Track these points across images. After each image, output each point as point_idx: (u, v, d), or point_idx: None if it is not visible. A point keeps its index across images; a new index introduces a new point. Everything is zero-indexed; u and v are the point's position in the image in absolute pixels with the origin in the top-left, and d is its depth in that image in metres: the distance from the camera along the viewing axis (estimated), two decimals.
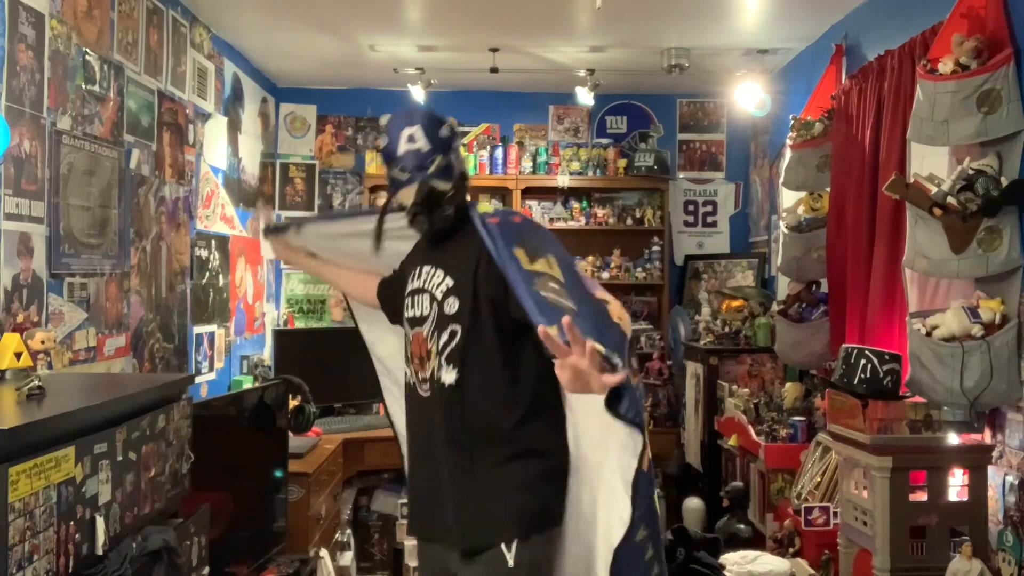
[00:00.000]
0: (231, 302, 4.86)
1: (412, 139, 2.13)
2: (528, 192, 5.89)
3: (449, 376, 2.03)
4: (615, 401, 1.67)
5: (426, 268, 2.16)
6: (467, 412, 2.03)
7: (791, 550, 3.41)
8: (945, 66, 2.79)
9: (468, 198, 2.22)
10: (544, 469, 2.04)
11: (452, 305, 2.07)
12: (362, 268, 2.48)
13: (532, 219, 2.16)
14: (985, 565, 2.61)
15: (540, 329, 1.65)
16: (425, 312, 2.12)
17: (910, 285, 3.12)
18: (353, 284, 2.54)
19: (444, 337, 2.05)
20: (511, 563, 1.97)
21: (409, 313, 2.17)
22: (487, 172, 5.83)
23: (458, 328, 2.04)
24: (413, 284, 2.19)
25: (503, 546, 1.99)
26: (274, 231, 2.69)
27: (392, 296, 2.33)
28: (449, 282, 2.09)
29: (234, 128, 4.99)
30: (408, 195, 2.13)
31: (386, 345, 2.54)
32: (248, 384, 4.62)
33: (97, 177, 3.24)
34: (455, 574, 2.09)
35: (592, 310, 1.83)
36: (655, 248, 5.88)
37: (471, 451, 2.05)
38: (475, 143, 5.89)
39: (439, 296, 2.10)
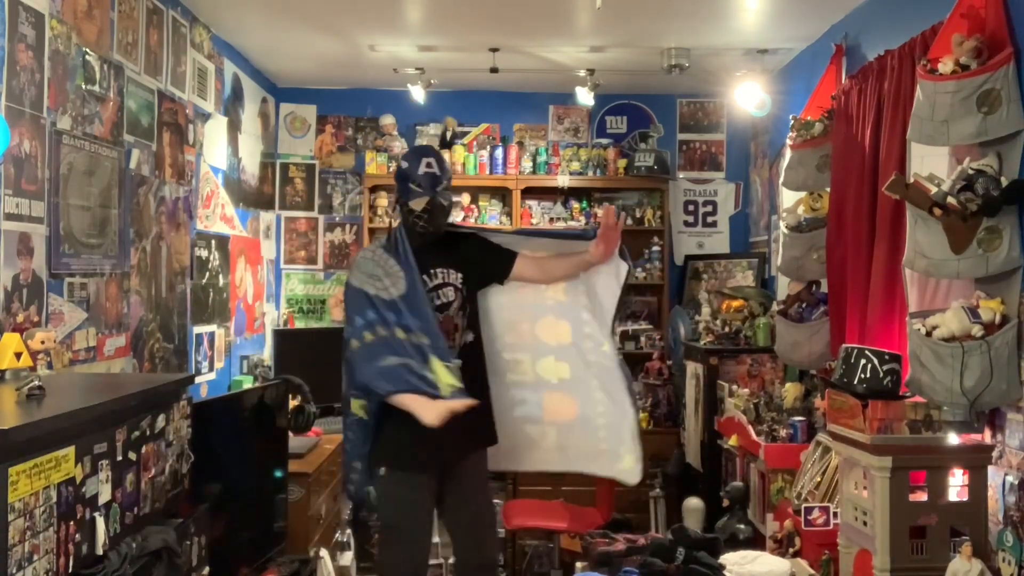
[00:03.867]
0: (231, 302, 4.86)
1: (429, 165, 2.98)
2: (528, 192, 5.88)
3: (468, 337, 3.08)
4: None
5: (440, 269, 3.05)
6: (482, 356, 3.13)
7: (791, 550, 3.41)
8: (945, 66, 2.79)
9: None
10: None
11: (466, 292, 3.08)
12: None
13: None
14: (985, 565, 2.61)
15: (609, 208, 3.07)
16: (451, 299, 3.05)
17: (910, 285, 3.12)
18: None
19: (466, 312, 3.07)
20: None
21: (437, 303, 3.02)
22: (487, 172, 5.82)
23: (468, 305, 3.09)
24: (432, 282, 3.03)
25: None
26: None
27: None
28: (460, 276, 3.08)
29: (234, 128, 4.99)
30: (419, 204, 2.96)
31: None
32: (248, 384, 4.62)
33: (97, 177, 3.24)
34: (482, 460, 3.16)
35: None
36: (655, 248, 5.88)
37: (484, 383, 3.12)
38: (475, 143, 5.89)
39: (459, 286, 3.07)
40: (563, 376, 3.23)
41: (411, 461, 3.01)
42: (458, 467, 3.09)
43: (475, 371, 3.03)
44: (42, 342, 2.42)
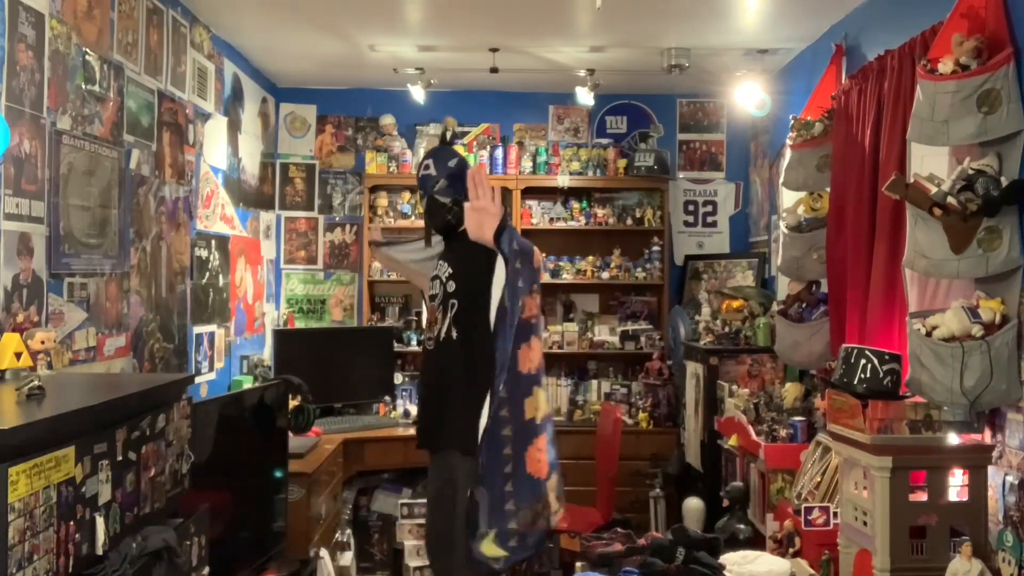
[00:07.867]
0: (231, 302, 4.86)
1: (427, 167, 3.17)
2: (528, 192, 5.89)
3: (451, 333, 3.04)
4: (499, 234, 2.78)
5: (440, 262, 3.19)
6: (463, 356, 2.99)
7: (791, 550, 3.41)
8: (945, 66, 2.79)
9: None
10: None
11: (451, 286, 3.08)
12: (419, 271, 3.56)
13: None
14: (985, 565, 2.61)
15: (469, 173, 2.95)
16: (436, 292, 3.14)
17: (910, 285, 3.12)
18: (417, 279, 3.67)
19: (449, 308, 3.06)
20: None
21: (428, 293, 3.22)
22: (487, 172, 5.82)
23: (455, 302, 3.04)
24: (431, 272, 3.23)
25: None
26: (383, 245, 3.70)
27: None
28: (450, 270, 3.10)
29: (234, 128, 4.99)
30: (423, 204, 3.22)
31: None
32: (248, 384, 4.62)
33: (97, 177, 3.24)
34: (455, 467, 3.01)
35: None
36: (655, 248, 5.88)
37: (465, 382, 2.97)
38: (475, 143, 5.89)
39: (444, 279, 3.12)
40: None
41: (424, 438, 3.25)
42: (433, 458, 3.19)
43: (443, 368, 3.06)
44: (42, 342, 2.42)
